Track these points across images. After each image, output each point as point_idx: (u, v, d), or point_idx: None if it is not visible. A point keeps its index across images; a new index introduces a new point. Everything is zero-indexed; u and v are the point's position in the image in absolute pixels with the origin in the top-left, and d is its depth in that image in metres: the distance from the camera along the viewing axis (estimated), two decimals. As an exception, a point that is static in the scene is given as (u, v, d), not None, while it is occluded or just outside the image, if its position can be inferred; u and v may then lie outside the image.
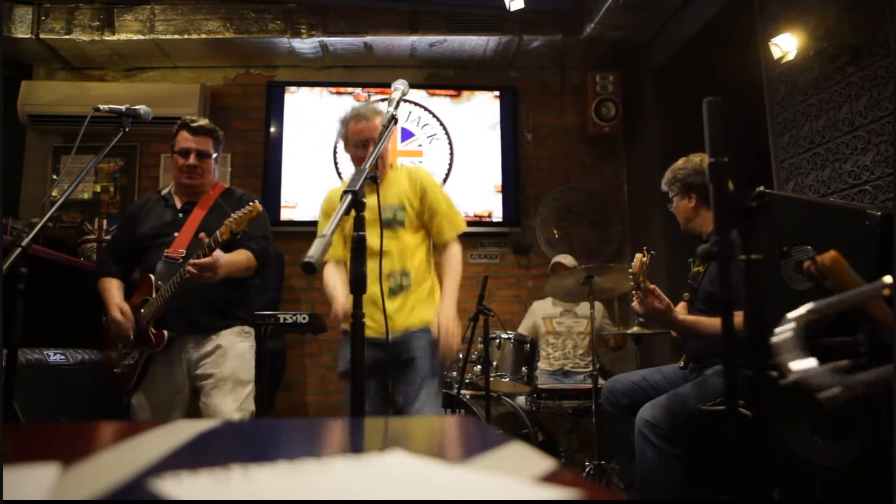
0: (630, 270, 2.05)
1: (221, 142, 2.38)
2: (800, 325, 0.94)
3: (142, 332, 2.16)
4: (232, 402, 2.15)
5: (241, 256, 2.16)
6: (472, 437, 0.66)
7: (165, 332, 2.13)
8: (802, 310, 0.97)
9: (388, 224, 2.25)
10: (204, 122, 2.32)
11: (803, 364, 0.90)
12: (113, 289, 2.25)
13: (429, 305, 2.30)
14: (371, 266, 2.26)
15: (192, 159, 2.26)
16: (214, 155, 2.33)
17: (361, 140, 2.26)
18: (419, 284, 2.29)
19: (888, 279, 0.91)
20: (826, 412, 1.52)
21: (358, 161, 2.28)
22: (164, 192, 2.39)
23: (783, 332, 0.94)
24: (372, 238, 2.29)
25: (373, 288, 2.25)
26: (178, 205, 2.32)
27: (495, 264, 4.57)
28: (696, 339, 2.19)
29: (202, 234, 2.03)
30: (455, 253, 2.34)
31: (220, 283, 2.16)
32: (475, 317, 3.04)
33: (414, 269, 2.29)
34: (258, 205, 2.04)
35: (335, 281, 2.28)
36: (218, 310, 2.22)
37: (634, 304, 2.09)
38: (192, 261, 1.99)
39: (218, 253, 2.00)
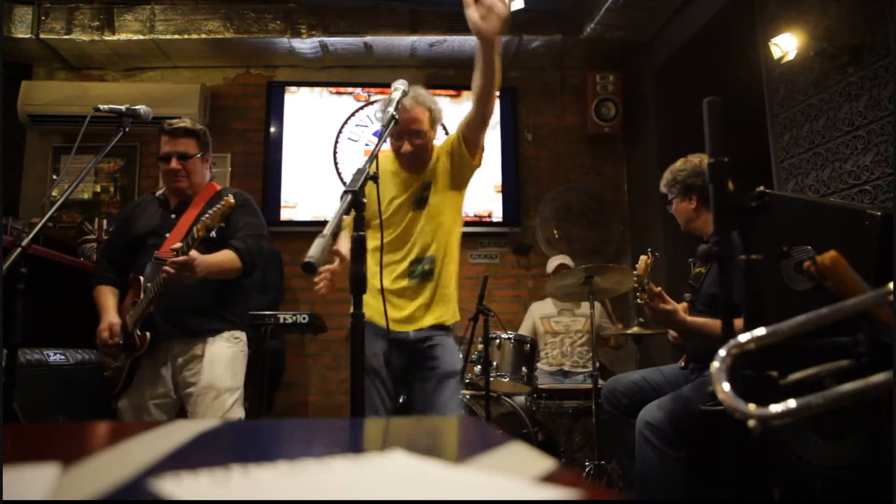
0: (635, 273, 2.03)
1: (206, 139, 2.30)
2: (732, 357, 0.92)
3: (128, 336, 2.12)
4: (213, 415, 2.08)
5: (224, 257, 2.10)
6: (472, 437, 0.67)
7: (148, 334, 2.10)
8: (743, 338, 0.96)
9: (418, 204, 2.16)
10: (184, 122, 2.26)
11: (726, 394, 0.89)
12: (106, 299, 2.21)
13: (448, 304, 2.19)
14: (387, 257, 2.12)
15: (173, 164, 2.22)
16: (199, 154, 2.26)
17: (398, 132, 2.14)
18: (441, 274, 2.16)
19: (892, 286, 0.91)
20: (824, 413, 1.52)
21: (396, 151, 2.18)
22: (160, 193, 2.37)
23: (716, 362, 0.92)
24: (400, 217, 2.15)
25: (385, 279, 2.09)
26: (172, 205, 2.30)
27: (495, 264, 4.56)
28: (702, 341, 2.18)
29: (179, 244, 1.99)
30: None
31: (208, 284, 2.12)
32: (475, 317, 3.04)
33: (440, 255, 2.15)
34: (231, 199, 1.98)
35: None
36: (205, 311, 2.17)
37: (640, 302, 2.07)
38: (170, 260, 1.94)
39: (195, 253, 1.96)
